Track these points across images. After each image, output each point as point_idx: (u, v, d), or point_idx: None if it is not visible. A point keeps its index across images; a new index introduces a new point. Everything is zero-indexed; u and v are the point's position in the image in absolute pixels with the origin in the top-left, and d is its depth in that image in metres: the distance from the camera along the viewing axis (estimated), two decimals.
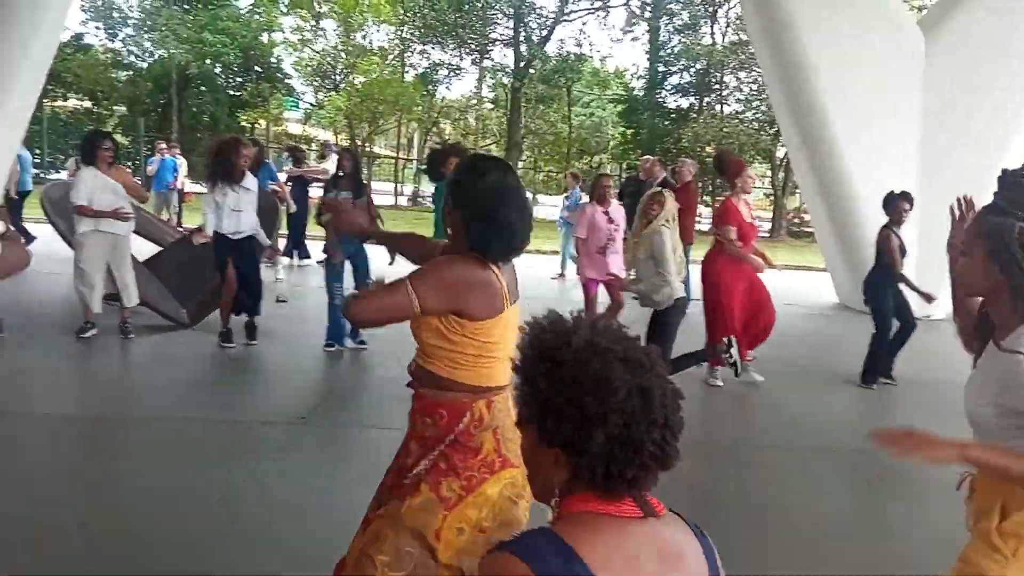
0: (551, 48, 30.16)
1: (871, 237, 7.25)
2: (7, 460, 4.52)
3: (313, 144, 26.77)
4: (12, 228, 2.90)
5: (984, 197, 2.46)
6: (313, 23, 26.99)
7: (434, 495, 2.30)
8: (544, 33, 29.88)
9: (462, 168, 2.41)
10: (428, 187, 30.04)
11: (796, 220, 26.80)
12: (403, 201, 28.17)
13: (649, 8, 29.62)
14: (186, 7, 27.59)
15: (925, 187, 9.48)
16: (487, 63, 31.77)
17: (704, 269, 6.82)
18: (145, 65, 29.77)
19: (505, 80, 31.20)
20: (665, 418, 1.23)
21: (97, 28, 29.05)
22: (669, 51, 29.77)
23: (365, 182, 7.56)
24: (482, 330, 2.28)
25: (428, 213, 22.93)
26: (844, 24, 10.33)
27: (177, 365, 6.65)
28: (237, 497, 4.09)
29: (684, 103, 30.08)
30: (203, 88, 29.02)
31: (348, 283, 7.16)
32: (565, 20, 30.43)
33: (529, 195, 13.98)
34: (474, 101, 35.48)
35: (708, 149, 27.18)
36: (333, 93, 29.04)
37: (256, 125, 30.85)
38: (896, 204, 6.81)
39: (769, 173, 28.53)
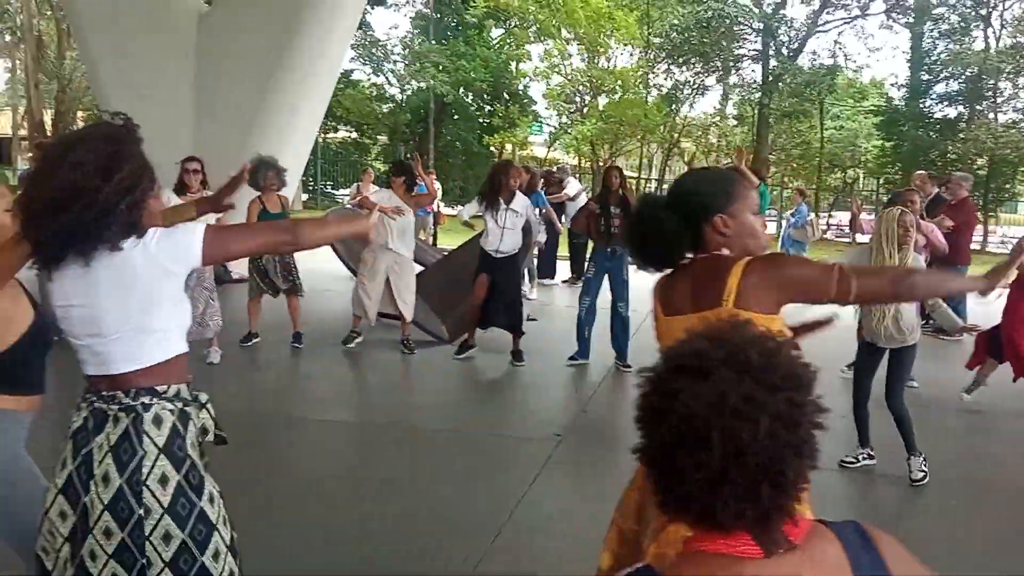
0: (802, 61, 28.94)
1: None
2: (294, 462, 4.98)
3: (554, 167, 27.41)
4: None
5: None
6: (560, 49, 27.68)
7: None
8: (795, 46, 28.76)
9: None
10: None
11: None
12: None
13: (911, 14, 27.65)
14: (443, 41, 29.32)
15: None
16: (732, 79, 31.05)
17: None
18: (404, 96, 31.97)
19: (751, 96, 30.32)
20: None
21: (364, 64, 31.57)
22: (934, 58, 27.57)
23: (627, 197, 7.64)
24: None
25: None
26: None
27: (438, 379, 7.05)
28: (499, 511, 4.22)
29: (952, 112, 27.70)
30: (457, 116, 30.70)
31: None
32: (819, 31, 29.13)
33: (773, 212, 13.45)
34: (717, 118, 34.77)
35: (980, 161, 24.78)
36: (577, 116, 29.62)
37: (503, 150, 32.13)
38: None
39: None
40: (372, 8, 26.93)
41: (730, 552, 1.09)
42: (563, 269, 12.97)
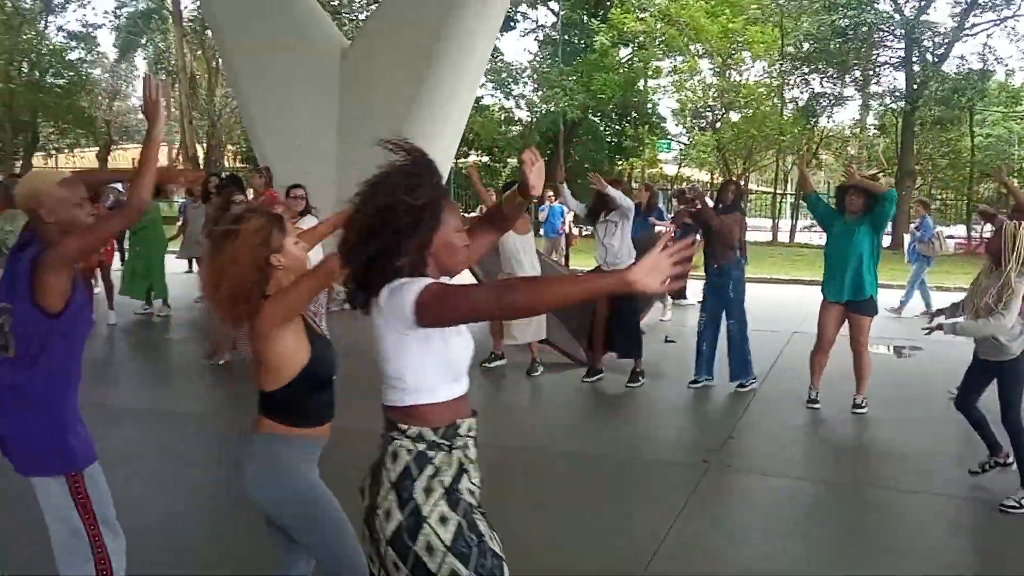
0: (948, 66, 27.48)
1: None
2: None
3: (686, 185, 27.02)
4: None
5: None
6: (690, 64, 27.30)
7: None
8: (940, 51, 27.35)
9: None
10: (804, 221, 28.85)
11: None
12: (783, 237, 27.41)
13: None
14: (572, 63, 29.47)
15: None
16: (873, 88, 29.84)
17: None
18: (534, 119, 32.32)
19: (894, 105, 29.00)
20: None
21: (494, 89, 32.12)
22: None
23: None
24: None
25: (805, 250, 21.92)
26: None
27: (572, 401, 7.01)
28: (650, 538, 4.13)
29: None
30: (586, 137, 30.78)
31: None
32: (967, 35, 27.61)
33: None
34: (857, 129, 33.45)
35: None
36: (708, 132, 29.13)
37: (632, 169, 31.93)
38: None
39: None
40: (501, 34, 27.37)
41: None
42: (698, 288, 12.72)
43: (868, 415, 6.40)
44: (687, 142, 31.41)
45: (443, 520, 2.05)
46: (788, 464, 5.44)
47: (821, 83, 29.04)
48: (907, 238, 14.10)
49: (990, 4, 26.83)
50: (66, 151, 36.53)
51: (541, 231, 16.29)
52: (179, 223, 13.84)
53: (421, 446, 2.08)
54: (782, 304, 9.82)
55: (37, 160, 34.63)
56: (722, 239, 7.04)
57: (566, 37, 30.49)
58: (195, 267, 12.47)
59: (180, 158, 32.14)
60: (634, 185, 23.89)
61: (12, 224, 2.55)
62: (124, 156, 32.58)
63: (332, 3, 27.98)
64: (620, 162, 31.01)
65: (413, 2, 10.75)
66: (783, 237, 27.79)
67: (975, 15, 27.23)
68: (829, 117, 30.62)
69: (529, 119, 33.00)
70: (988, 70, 27.97)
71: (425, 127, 10.68)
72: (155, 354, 9.01)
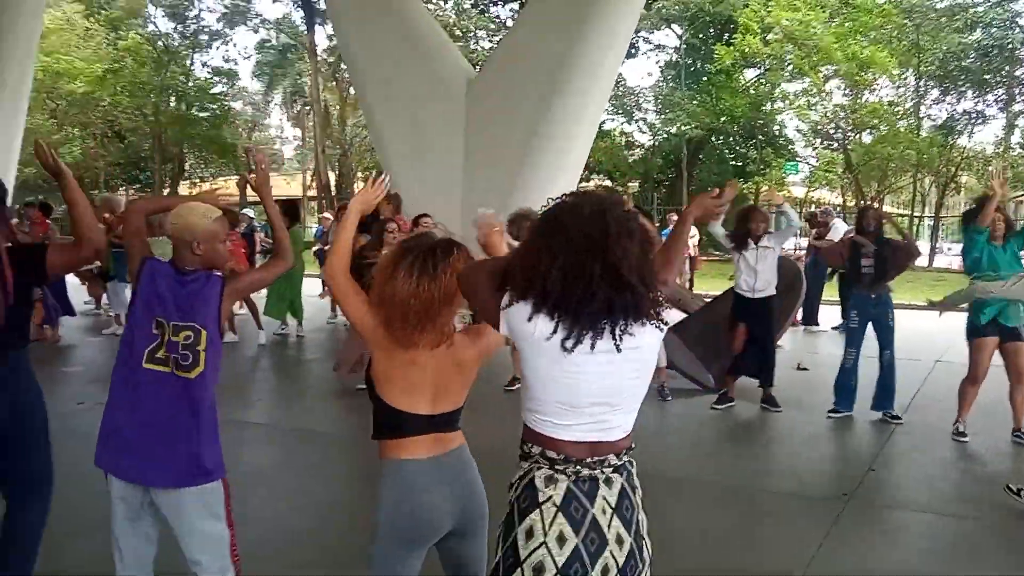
0: None
1: None
2: None
3: (813, 207, 26.22)
4: None
5: None
6: (818, 86, 26.55)
7: None
8: None
9: None
10: (944, 245, 27.51)
11: None
12: (921, 261, 26.10)
13: None
14: (695, 86, 29.20)
15: None
16: (1018, 106, 28.23)
17: None
18: (656, 143, 32.11)
19: None
20: None
21: (615, 114, 32.12)
22: None
23: (888, 239, 7.22)
24: None
25: (947, 274, 20.86)
26: None
27: (700, 429, 6.88)
28: (788, 574, 4.01)
29: None
30: (709, 160, 30.35)
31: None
32: None
33: None
34: (1000, 148, 31.67)
35: None
36: (838, 153, 28.22)
37: (759, 192, 31.21)
38: None
39: None
40: (624, 60, 27.41)
41: None
42: (828, 314, 12.31)
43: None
44: (815, 163, 30.52)
45: None
46: (935, 499, 5.18)
47: (960, 102, 27.74)
48: None
49: None
50: (209, 179, 38.78)
51: None
52: (316, 247, 14.41)
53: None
54: (923, 332, 9.37)
55: (183, 188, 36.86)
56: (898, 267, 6.89)
57: (689, 60, 30.24)
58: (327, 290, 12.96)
59: (313, 185, 33.55)
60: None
61: (164, 249, 2.78)
62: None
63: (457, 33, 28.70)
64: (743, 183, 30.41)
65: (539, 32, 10.92)
66: (921, 261, 26.51)
67: None
68: (969, 136, 29.19)
69: (651, 143, 32.82)
70: None
71: (549, 156, 10.81)
72: (293, 373, 9.39)
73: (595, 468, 2.07)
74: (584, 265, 1.97)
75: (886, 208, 30.24)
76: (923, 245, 27.98)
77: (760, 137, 29.98)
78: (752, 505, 5.04)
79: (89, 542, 3.95)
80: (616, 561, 2.04)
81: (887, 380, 6.88)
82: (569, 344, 1.99)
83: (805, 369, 8.94)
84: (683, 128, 28.04)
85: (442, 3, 31.05)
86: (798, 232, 7.64)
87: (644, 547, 2.13)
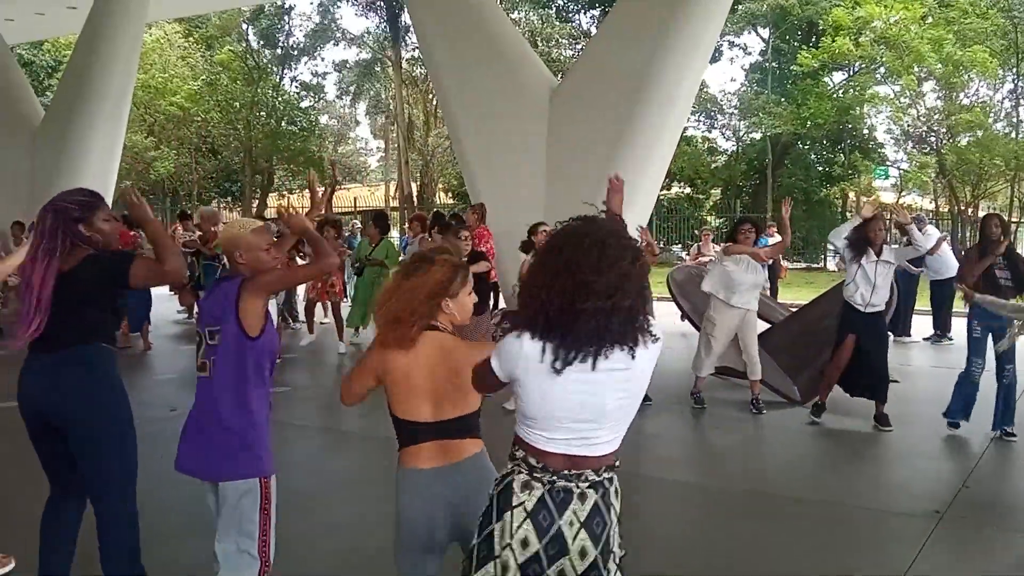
0: None
1: None
2: (636, 520, 5.00)
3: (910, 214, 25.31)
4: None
5: None
6: (911, 88, 25.67)
7: None
8: None
9: None
10: None
11: None
12: None
13: None
14: (781, 89, 28.62)
15: None
16: None
17: None
18: (739, 148, 31.60)
19: None
20: None
21: (698, 120, 31.75)
22: None
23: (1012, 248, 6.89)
24: None
25: None
26: None
27: (790, 442, 6.76)
28: None
29: None
30: (794, 165, 29.69)
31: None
32: None
33: None
34: None
35: None
36: (931, 158, 27.27)
37: (847, 198, 30.43)
38: None
39: None
40: (708, 65, 27.11)
41: None
42: (919, 324, 11.92)
43: None
44: (906, 168, 29.53)
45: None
46: None
47: None
48: None
49: None
50: (296, 191, 39.82)
51: None
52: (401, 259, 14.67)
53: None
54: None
55: (272, 200, 37.95)
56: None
57: (775, 64, 29.68)
58: None
59: (397, 196, 34.13)
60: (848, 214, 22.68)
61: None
62: (347, 195, 34.95)
63: (539, 40, 28.83)
64: (829, 189, 29.66)
65: (622, 41, 10.88)
66: None
67: None
68: None
69: (734, 148, 32.32)
70: None
71: (631, 164, 10.73)
72: None
73: (571, 481, 2.19)
74: (578, 289, 2.08)
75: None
76: (1022, 251, 26.80)
77: (848, 141, 29.21)
78: (841, 521, 4.93)
79: (172, 547, 4.14)
80: (575, 569, 2.17)
81: (1010, 396, 6.56)
82: (558, 365, 2.12)
83: (896, 381, 8.67)
84: (768, 132, 27.51)
85: (524, 12, 31.23)
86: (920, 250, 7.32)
87: (612, 559, 2.23)
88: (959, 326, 9.84)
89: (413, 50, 32.07)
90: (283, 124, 34.57)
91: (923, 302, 12.04)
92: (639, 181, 10.90)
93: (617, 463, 2.30)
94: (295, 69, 37.08)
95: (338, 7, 40.15)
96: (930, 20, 24.98)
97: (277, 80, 36.10)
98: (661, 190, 30.42)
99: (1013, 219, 28.56)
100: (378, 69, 37.07)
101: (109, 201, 3.77)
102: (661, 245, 29.92)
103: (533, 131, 11.45)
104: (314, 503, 4.95)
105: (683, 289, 8.83)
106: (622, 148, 10.85)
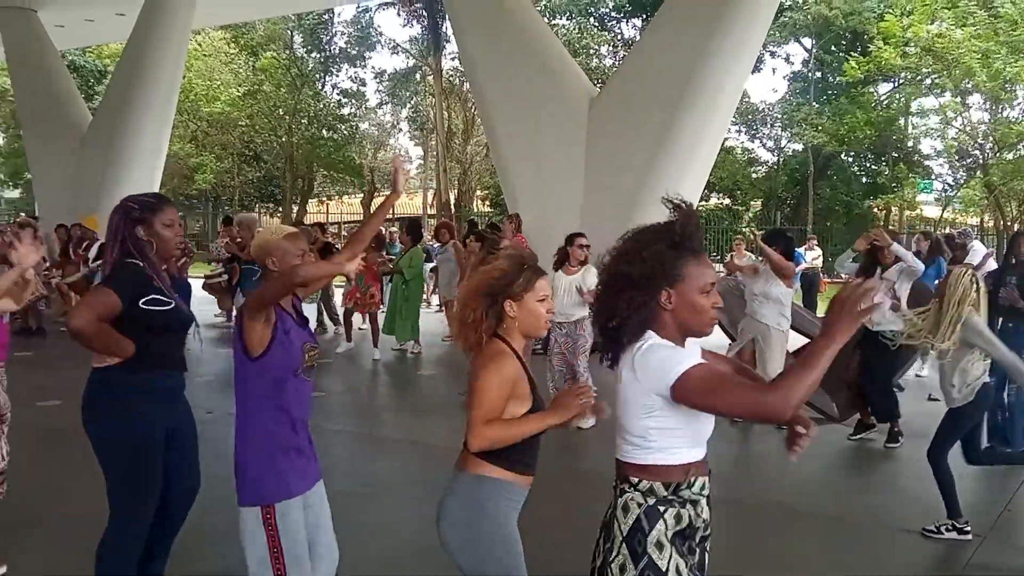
0: None
1: None
2: None
3: (955, 229, 24.88)
4: None
5: None
6: (958, 101, 25.20)
7: None
8: None
9: None
10: None
11: None
12: None
13: None
14: (823, 100, 28.28)
15: None
16: None
17: None
18: (780, 160, 31.25)
19: None
20: None
21: (739, 131, 31.48)
22: None
23: None
24: None
25: None
26: None
27: (827, 459, 6.65)
28: None
29: None
30: (836, 177, 29.29)
31: None
32: None
33: None
34: None
35: None
36: (978, 172, 26.75)
37: (888, 211, 29.94)
38: None
39: None
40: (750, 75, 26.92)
41: None
42: None
43: None
44: (951, 183, 29.00)
45: (678, 573, 2.10)
46: None
47: None
48: None
49: None
50: (335, 197, 40.17)
51: None
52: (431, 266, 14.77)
53: (651, 500, 2.12)
54: None
55: (311, 206, 38.33)
56: None
57: (818, 74, 29.34)
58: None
59: (435, 203, 34.31)
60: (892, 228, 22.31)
61: None
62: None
63: (578, 49, 28.81)
64: (872, 202, 29.18)
65: (664, 50, 10.85)
66: None
67: None
68: None
69: (775, 159, 31.99)
70: None
71: (670, 173, 10.70)
72: (411, 388, 9.62)
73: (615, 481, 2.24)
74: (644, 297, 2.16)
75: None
76: None
77: (893, 154, 28.78)
78: (878, 543, 4.84)
79: (225, 546, 4.18)
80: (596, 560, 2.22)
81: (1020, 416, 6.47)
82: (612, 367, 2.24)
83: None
84: (810, 143, 27.18)
85: (564, 20, 31.25)
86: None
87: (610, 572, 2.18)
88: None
89: (453, 59, 32.23)
90: (323, 131, 34.90)
91: None
92: (677, 191, 10.82)
93: (629, 476, 2.19)
94: (336, 76, 37.41)
95: (383, 11, 40.45)
96: (979, 32, 24.51)
97: (319, 87, 36.48)
98: (700, 201, 30.26)
99: None
100: (418, 77, 37.31)
101: None
102: None
103: (572, 140, 11.46)
104: (355, 506, 4.95)
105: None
106: (661, 157, 10.80)
